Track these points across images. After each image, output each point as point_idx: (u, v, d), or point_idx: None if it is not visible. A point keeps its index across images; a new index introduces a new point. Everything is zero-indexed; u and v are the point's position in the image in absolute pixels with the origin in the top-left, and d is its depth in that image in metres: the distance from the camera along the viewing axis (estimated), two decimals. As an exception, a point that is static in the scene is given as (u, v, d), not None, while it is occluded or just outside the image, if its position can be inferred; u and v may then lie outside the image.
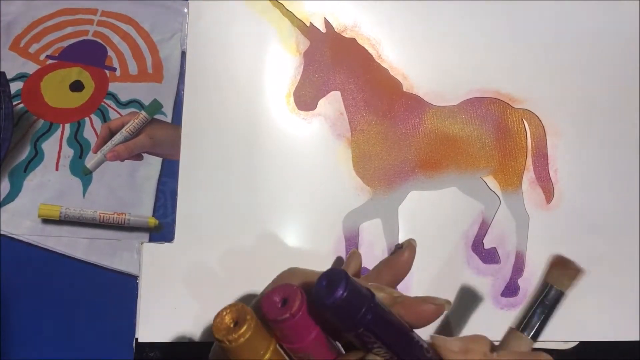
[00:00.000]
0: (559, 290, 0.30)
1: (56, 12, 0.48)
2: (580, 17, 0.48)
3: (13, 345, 0.39)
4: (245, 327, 0.24)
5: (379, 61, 0.46)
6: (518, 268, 0.43)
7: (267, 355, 0.25)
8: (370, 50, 0.46)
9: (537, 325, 0.29)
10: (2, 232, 0.41)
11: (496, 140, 0.45)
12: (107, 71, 0.47)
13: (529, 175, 0.45)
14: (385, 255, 0.42)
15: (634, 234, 0.44)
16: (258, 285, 0.31)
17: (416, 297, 0.28)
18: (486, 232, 0.43)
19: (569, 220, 0.44)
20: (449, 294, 0.42)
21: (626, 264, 0.44)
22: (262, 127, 0.44)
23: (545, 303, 0.30)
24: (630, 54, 0.48)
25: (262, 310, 0.25)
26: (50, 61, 0.47)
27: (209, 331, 0.40)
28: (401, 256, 0.31)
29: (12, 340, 0.40)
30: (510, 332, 0.30)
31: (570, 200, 0.44)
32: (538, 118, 0.45)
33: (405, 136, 0.44)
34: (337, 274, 0.24)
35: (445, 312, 0.28)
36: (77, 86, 0.46)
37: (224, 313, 0.25)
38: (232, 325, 0.24)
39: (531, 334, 0.29)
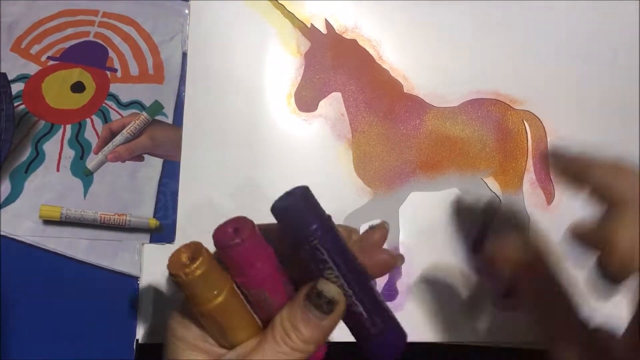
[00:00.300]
0: None
1: (57, 14, 0.48)
2: (580, 18, 0.48)
3: (13, 346, 0.39)
4: (200, 260, 0.24)
5: (379, 62, 0.46)
6: (519, 269, 0.43)
7: (222, 296, 0.25)
8: (371, 51, 0.46)
9: None
10: (2, 233, 0.41)
11: (497, 141, 0.45)
12: (108, 72, 0.47)
13: (529, 177, 0.45)
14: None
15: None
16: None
17: (374, 244, 0.28)
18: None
19: (569, 221, 0.44)
20: (450, 295, 0.42)
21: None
22: (263, 128, 0.44)
23: None
24: (630, 55, 0.48)
25: (214, 238, 0.25)
26: (51, 62, 0.47)
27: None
28: (372, 235, 0.30)
29: (13, 341, 0.40)
30: None
31: (570, 201, 0.44)
32: (539, 119, 0.45)
33: (406, 137, 0.44)
34: (299, 188, 0.26)
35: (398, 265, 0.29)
36: (78, 87, 0.46)
37: (181, 250, 0.25)
38: (187, 262, 0.25)
39: None
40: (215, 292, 0.25)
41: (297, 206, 0.25)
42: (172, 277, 0.24)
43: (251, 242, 0.25)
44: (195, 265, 0.24)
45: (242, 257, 0.25)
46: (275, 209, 0.25)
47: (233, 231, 0.25)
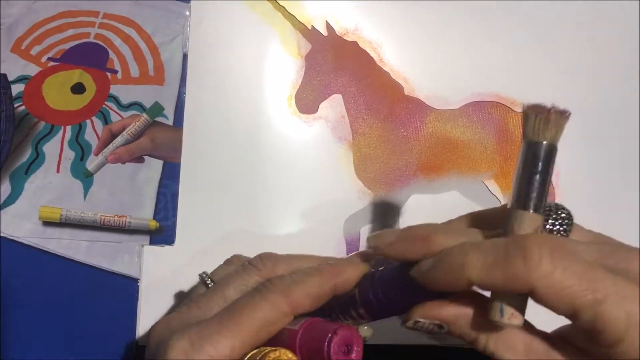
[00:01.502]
0: (547, 143, 0.24)
1: (58, 15, 0.48)
2: (581, 19, 0.48)
3: (13, 348, 0.39)
4: None
5: (380, 64, 0.46)
6: (519, 272, 0.43)
7: None
8: (372, 53, 0.46)
9: (536, 195, 0.24)
10: (2, 234, 0.41)
11: (497, 143, 0.45)
12: (108, 73, 0.47)
13: (530, 179, 0.45)
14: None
15: (634, 237, 0.44)
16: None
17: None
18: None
19: (570, 224, 0.44)
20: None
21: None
22: (264, 130, 0.44)
23: (536, 165, 0.24)
24: (630, 56, 0.48)
25: (329, 350, 0.25)
26: (51, 63, 0.47)
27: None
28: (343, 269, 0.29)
29: (13, 343, 0.39)
30: (510, 213, 0.24)
31: (571, 203, 0.44)
32: (539, 122, 0.45)
33: (406, 139, 0.44)
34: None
35: None
36: (78, 88, 0.46)
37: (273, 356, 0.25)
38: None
39: (532, 206, 0.24)
40: None
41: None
42: None
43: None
44: None
45: None
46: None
47: (345, 349, 0.26)
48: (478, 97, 0.46)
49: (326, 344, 0.25)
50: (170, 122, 0.45)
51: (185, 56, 0.46)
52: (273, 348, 0.25)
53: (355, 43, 0.46)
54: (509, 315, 0.24)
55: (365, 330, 0.31)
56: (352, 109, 0.45)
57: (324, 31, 0.46)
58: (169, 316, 0.30)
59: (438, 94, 0.45)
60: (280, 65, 0.45)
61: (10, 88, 0.43)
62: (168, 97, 0.46)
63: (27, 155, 0.44)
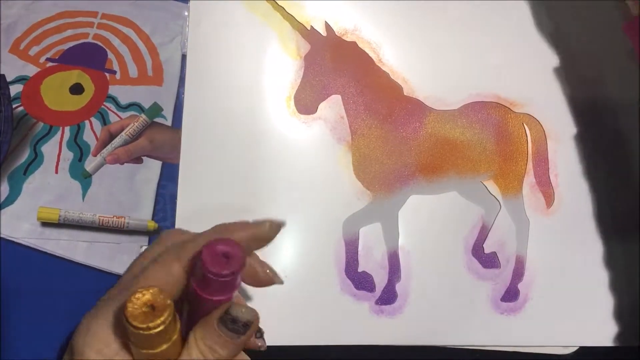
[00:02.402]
0: None
1: (56, 15, 0.48)
2: (581, 19, 0.48)
3: (13, 348, 0.39)
4: (165, 316, 0.23)
5: (379, 65, 0.46)
6: (518, 273, 0.43)
7: (171, 341, 0.24)
8: (371, 54, 0.46)
9: None
10: (1, 235, 0.41)
11: (497, 144, 0.45)
12: (107, 74, 0.47)
13: (529, 180, 0.45)
14: (386, 259, 0.42)
15: (634, 238, 0.44)
16: (258, 289, 0.31)
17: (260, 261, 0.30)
18: (486, 237, 0.43)
19: (569, 224, 0.44)
20: (449, 299, 0.42)
21: (627, 268, 0.44)
22: (263, 130, 0.44)
23: None
24: (630, 56, 0.48)
25: (205, 264, 0.24)
26: (50, 64, 0.47)
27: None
28: (262, 227, 0.30)
29: (12, 342, 0.39)
30: None
31: (570, 205, 0.44)
32: (539, 122, 0.45)
33: (405, 140, 0.44)
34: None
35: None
36: (77, 89, 0.46)
37: (141, 297, 0.23)
38: (148, 310, 0.23)
39: None
40: (167, 338, 0.24)
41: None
42: (132, 327, 0.23)
43: (236, 275, 0.25)
44: (159, 321, 0.23)
45: (222, 286, 0.25)
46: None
47: (226, 260, 0.24)
48: (477, 98, 0.46)
49: (201, 256, 0.24)
50: (169, 122, 0.45)
51: (184, 57, 0.46)
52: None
53: (354, 43, 0.46)
54: None
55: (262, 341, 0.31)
56: (351, 110, 0.45)
57: (323, 31, 0.46)
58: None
59: (437, 95, 0.45)
60: (279, 66, 0.45)
61: (8, 89, 0.43)
62: (167, 97, 0.46)
63: (25, 156, 0.44)
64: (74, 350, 0.26)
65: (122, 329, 0.24)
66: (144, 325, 0.23)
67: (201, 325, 0.26)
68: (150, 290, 0.24)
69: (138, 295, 0.23)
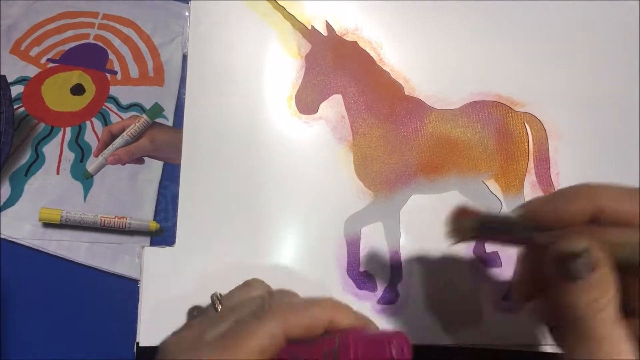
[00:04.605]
0: None
1: (57, 15, 0.48)
2: (581, 19, 0.48)
3: (14, 350, 0.39)
4: None
5: (380, 64, 0.46)
6: (520, 272, 0.43)
7: None
8: (372, 53, 0.46)
9: None
10: (2, 236, 0.41)
11: (498, 143, 0.45)
12: (108, 74, 0.47)
13: (530, 179, 0.45)
14: (387, 258, 0.42)
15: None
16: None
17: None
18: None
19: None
20: (450, 298, 0.42)
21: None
22: (264, 130, 0.44)
23: None
24: (630, 56, 0.48)
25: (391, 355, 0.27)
26: (51, 64, 0.47)
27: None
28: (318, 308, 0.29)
29: (13, 344, 0.39)
30: None
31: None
32: (540, 121, 0.45)
33: (406, 139, 0.44)
34: None
35: None
36: (78, 90, 0.46)
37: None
38: None
39: None
40: None
41: None
42: None
43: None
44: None
45: None
46: None
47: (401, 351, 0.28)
48: (478, 97, 0.46)
49: (388, 350, 0.27)
50: (170, 123, 0.45)
51: (185, 57, 0.46)
52: None
53: (355, 43, 0.46)
54: None
55: None
56: (352, 109, 0.45)
57: (323, 31, 0.46)
58: (180, 335, 0.31)
59: (438, 94, 0.45)
60: (280, 66, 0.45)
61: (9, 89, 0.43)
62: (168, 97, 0.46)
63: (26, 156, 0.44)
64: None
65: None
66: None
67: None
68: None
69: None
